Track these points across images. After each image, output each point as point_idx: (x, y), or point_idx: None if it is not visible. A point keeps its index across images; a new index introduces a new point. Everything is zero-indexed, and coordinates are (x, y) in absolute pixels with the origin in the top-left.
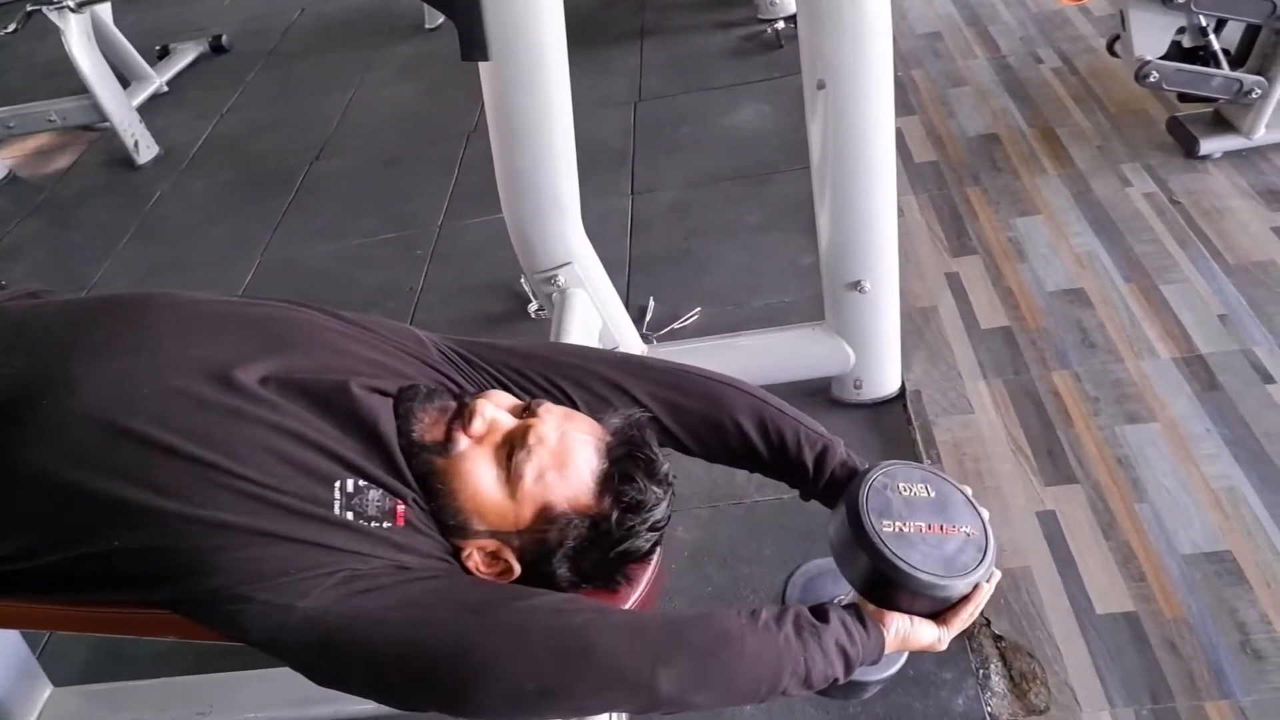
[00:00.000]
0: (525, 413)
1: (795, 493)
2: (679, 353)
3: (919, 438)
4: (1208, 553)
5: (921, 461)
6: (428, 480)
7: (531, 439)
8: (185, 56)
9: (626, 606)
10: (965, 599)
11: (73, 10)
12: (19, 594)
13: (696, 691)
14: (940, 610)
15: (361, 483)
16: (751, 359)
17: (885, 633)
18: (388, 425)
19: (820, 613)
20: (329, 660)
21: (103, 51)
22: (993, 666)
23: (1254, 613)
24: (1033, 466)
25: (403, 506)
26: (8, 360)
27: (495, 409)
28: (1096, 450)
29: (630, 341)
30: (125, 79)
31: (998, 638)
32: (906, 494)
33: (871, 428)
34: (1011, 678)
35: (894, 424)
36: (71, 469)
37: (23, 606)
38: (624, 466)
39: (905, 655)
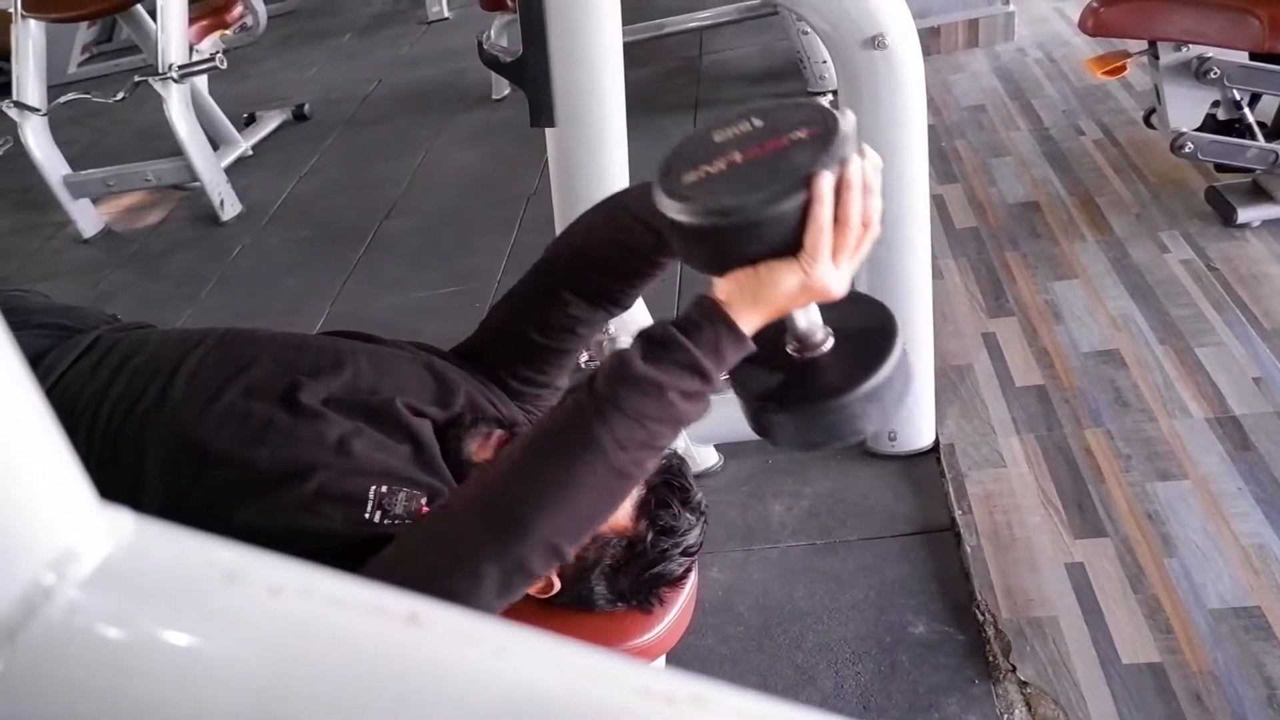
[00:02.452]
0: None
1: (830, 540)
2: (723, 402)
3: (951, 489)
4: (1236, 608)
5: (954, 512)
6: None
7: None
8: (270, 123)
9: (660, 628)
10: (810, 207)
11: (175, 81)
12: None
13: (531, 534)
14: (785, 239)
15: (394, 485)
16: None
17: (719, 298)
18: (427, 435)
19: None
20: None
21: (197, 117)
22: (1017, 712)
23: None
24: (1062, 519)
25: (427, 505)
26: (116, 381)
27: None
28: (1127, 505)
29: None
30: (215, 143)
31: (1023, 683)
32: (722, 138)
33: (905, 478)
34: None
35: (927, 475)
36: (155, 477)
37: None
38: (661, 493)
39: (895, 358)
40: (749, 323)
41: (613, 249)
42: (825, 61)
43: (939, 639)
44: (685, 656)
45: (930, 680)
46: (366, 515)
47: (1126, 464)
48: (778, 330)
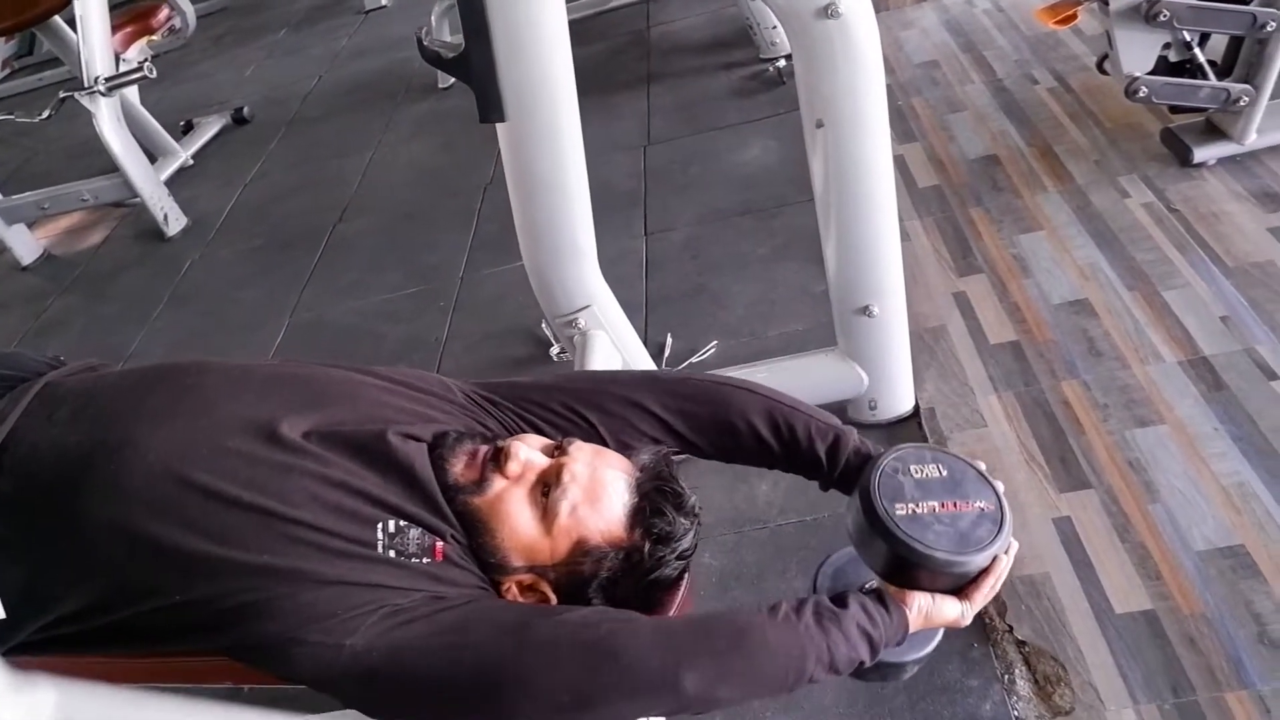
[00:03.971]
0: (557, 451)
1: (818, 515)
2: None
3: None
4: (1221, 548)
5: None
6: (466, 519)
7: (565, 477)
8: (209, 130)
9: None
10: (985, 572)
11: (103, 94)
12: (82, 651)
13: (723, 686)
14: (961, 586)
15: (403, 523)
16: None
17: (908, 612)
18: (424, 468)
19: (840, 599)
20: (379, 692)
21: (131, 130)
22: (1017, 671)
23: (1269, 603)
24: (1046, 475)
25: (441, 543)
26: (75, 428)
27: (529, 450)
28: (1108, 455)
29: None
30: (152, 155)
31: (1021, 643)
32: (918, 476)
33: (889, 447)
34: (1036, 681)
35: (910, 441)
36: (140, 521)
37: (81, 661)
38: (653, 500)
39: (940, 634)
40: (912, 628)
41: (772, 461)
42: (775, 27)
43: None
44: None
45: None
46: (379, 552)
47: (1104, 413)
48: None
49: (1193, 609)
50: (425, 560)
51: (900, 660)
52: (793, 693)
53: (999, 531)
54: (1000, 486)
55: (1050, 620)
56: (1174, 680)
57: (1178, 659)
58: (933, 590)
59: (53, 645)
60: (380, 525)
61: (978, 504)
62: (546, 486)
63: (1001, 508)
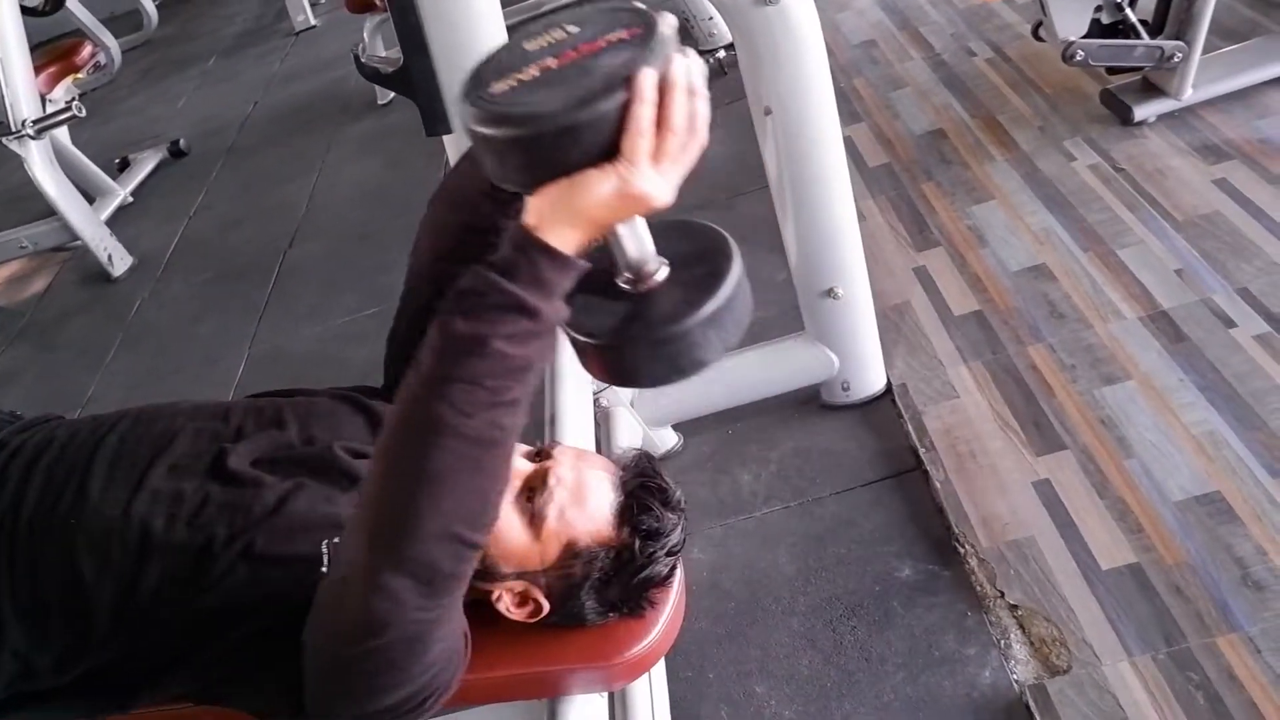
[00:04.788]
0: (539, 456)
1: (803, 500)
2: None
3: (911, 428)
4: (1198, 496)
5: (918, 451)
6: None
7: (551, 480)
8: (146, 165)
9: (655, 631)
10: (630, 107)
11: (32, 138)
12: (59, 712)
13: (414, 539)
14: (606, 146)
15: None
16: (739, 376)
17: (527, 218)
18: None
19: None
20: (324, 699)
21: (65, 171)
22: (1013, 636)
23: (1249, 546)
24: (1022, 439)
25: None
26: (30, 485)
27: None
28: (1080, 415)
29: None
30: (90, 195)
31: (1013, 607)
32: (533, 47)
33: (865, 426)
34: (1032, 643)
35: (885, 419)
36: (96, 576)
37: None
38: (640, 497)
39: (734, 273)
40: (567, 241)
41: (469, 235)
42: (712, 19)
43: (926, 579)
44: (681, 644)
45: (925, 621)
46: (324, 570)
47: (1072, 374)
48: (610, 266)
49: (1176, 558)
50: None
51: (675, 330)
52: (496, 442)
53: (643, 52)
54: (670, 18)
55: (1040, 582)
56: (1165, 630)
57: (1166, 609)
58: (565, 172)
59: (27, 702)
60: (325, 542)
61: (614, 35)
62: (531, 492)
63: (650, 25)
